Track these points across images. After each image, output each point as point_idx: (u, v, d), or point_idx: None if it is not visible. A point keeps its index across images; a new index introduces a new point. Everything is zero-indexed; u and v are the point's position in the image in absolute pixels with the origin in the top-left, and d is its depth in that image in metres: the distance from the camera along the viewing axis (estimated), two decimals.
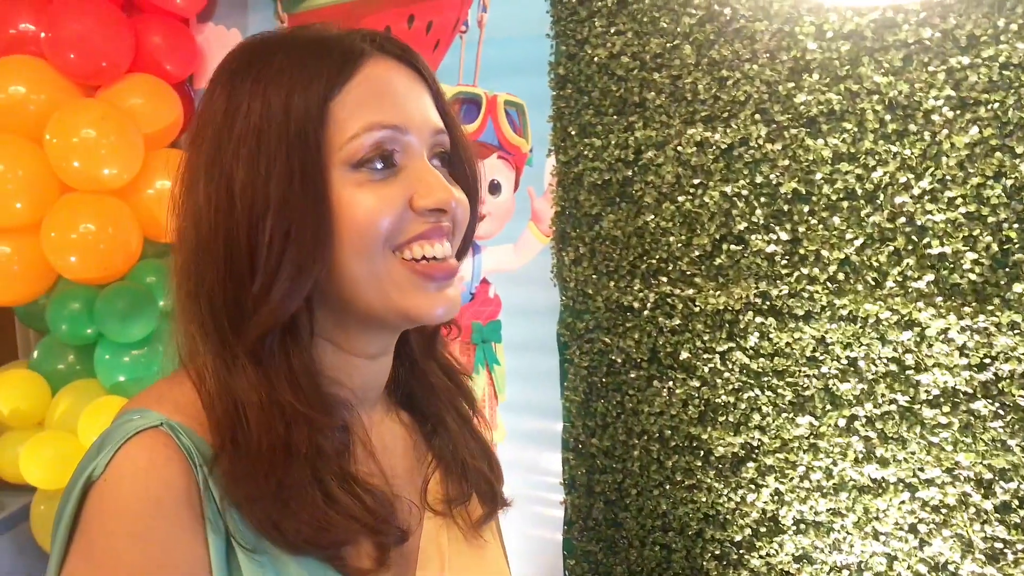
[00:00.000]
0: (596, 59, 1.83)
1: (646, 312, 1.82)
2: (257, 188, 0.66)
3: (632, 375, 1.86)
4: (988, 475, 1.51)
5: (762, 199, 1.68)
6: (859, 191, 1.58)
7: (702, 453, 1.80)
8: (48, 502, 2.18)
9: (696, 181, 1.74)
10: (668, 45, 1.74)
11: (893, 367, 1.58)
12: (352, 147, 0.67)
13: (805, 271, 1.64)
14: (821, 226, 1.62)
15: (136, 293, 2.15)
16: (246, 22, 2.40)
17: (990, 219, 1.47)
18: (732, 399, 1.74)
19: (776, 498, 1.72)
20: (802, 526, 1.71)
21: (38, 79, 2.17)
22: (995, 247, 1.47)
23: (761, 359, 1.71)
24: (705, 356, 1.76)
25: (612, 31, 1.80)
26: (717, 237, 1.72)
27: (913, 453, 1.57)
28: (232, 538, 0.64)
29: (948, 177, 1.49)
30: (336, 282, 0.69)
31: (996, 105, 1.44)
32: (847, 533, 1.66)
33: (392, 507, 0.73)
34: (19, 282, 2.20)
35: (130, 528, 0.61)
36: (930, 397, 1.55)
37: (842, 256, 1.61)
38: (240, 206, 0.66)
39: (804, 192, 1.63)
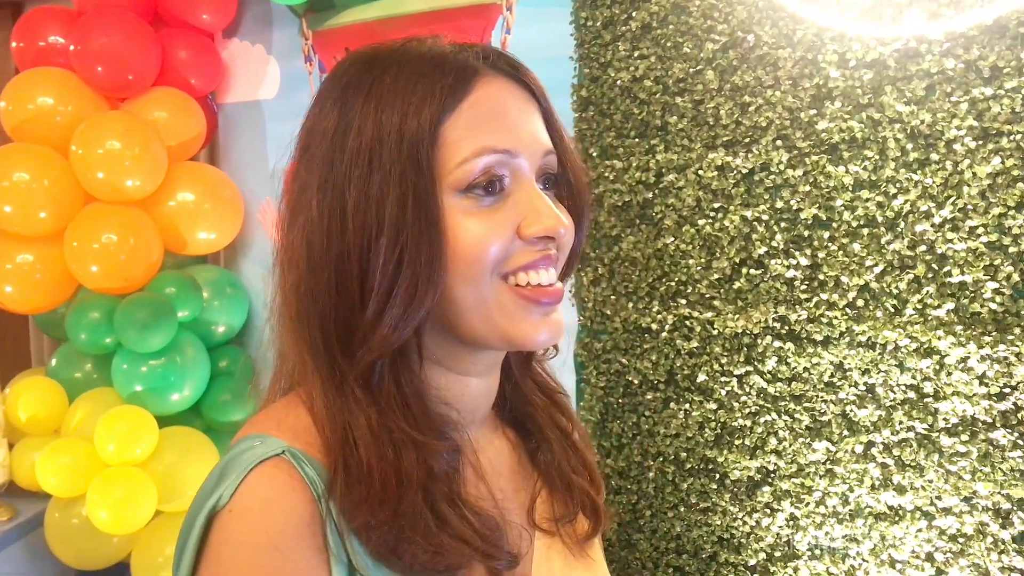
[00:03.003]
0: (619, 82, 1.85)
1: (664, 334, 1.83)
2: (369, 211, 0.65)
3: (649, 396, 1.86)
4: (1006, 505, 1.51)
5: (782, 224, 1.69)
6: (880, 218, 1.59)
7: (718, 476, 1.80)
8: (63, 510, 2.19)
9: (716, 205, 1.75)
10: (691, 70, 1.76)
11: (911, 394, 1.58)
12: (462, 171, 0.66)
13: (824, 296, 1.65)
14: (841, 252, 1.63)
15: (155, 304, 2.16)
16: (271, 38, 2.43)
17: (1011, 249, 1.48)
18: (749, 423, 1.75)
19: (791, 523, 1.72)
20: (817, 552, 1.70)
21: (66, 91, 2.20)
22: (1016, 277, 1.47)
23: (779, 383, 1.71)
24: (722, 379, 1.77)
25: (635, 55, 1.82)
26: (737, 261, 1.73)
27: (931, 481, 1.57)
28: (354, 567, 0.64)
29: (970, 206, 1.50)
30: (441, 307, 0.68)
31: (1019, 136, 1.45)
32: (863, 560, 1.65)
33: (502, 531, 0.71)
34: (41, 290, 2.22)
35: (256, 560, 0.61)
36: (948, 425, 1.55)
37: (862, 283, 1.61)
38: (352, 228, 0.66)
39: (824, 218, 1.64)
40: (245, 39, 2.48)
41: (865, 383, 1.63)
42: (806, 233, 1.66)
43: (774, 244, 1.69)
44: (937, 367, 1.55)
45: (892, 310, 1.59)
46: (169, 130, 2.27)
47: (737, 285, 1.74)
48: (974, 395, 1.52)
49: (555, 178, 0.74)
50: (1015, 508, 1.50)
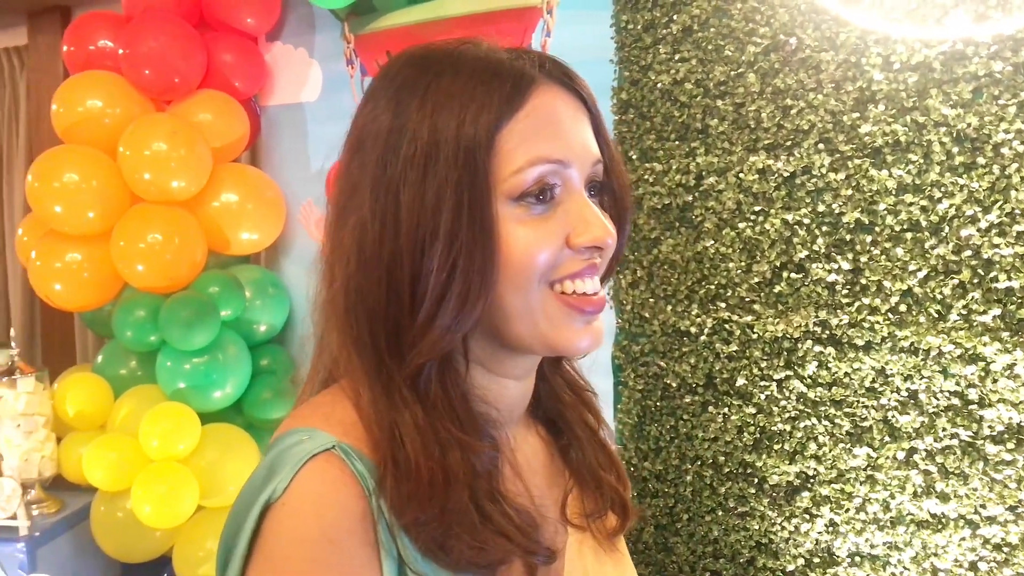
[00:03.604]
0: (659, 85, 1.85)
1: (703, 337, 1.82)
2: (424, 215, 0.66)
3: (687, 400, 1.86)
4: None
5: (824, 228, 1.67)
6: (923, 223, 1.57)
7: (756, 480, 1.79)
8: (108, 503, 2.23)
9: (757, 208, 1.74)
10: (732, 73, 1.76)
11: (955, 401, 1.56)
12: (516, 180, 0.67)
13: (866, 301, 1.64)
14: (884, 257, 1.61)
15: (199, 303, 2.20)
16: (313, 42, 2.46)
17: None
18: (788, 427, 1.74)
19: (831, 529, 1.71)
20: (857, 559, 1.69)
21: (114, 93, 2.25)
22: None
23: (819, 388, 1.70)
24: (762, 383, 1.76)
25: (676, 58, 1.82)
26: (777, 264, 1.73)
27: (975, 489, 1.55)
28: (403, 561, 0.64)
29: (1017, 211, 1.48)
30: (489, 313, 0.69)
31: None
32: (904, 568, 1.64)
33: (540, 527, 0.72)
34: (89, 289, 2.27)
35: (310, 554, 0.62)
36: (994, 433, 1.53)
37: (905, 287, 1.60)
38: (405, 231, 0.66)
39: (867, 222, 1.63)
40: (288, 42, 2.52)
41: (908, 389, 1.61)
42: (848, 237, 1.65)
43: (815, 248, 1.68)
44: (982, 373, 1.53)
45: (936, 315, 1.57)
46: (214, 132, 2.31)
47: (778, 289, 1.73)
48: (1020, 402, 1.50)
49: (600, 185, 0.75)
50: None
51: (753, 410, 1.77)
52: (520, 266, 0.67)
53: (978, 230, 1.52)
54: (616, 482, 0.87)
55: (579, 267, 0.70)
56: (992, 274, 1.51)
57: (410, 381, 0.69)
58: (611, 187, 0.77)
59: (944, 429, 1.57)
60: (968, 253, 1.54)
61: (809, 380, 1.71)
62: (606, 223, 0.71)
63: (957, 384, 1.56)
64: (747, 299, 1.77)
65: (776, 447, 1.76)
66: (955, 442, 1.57)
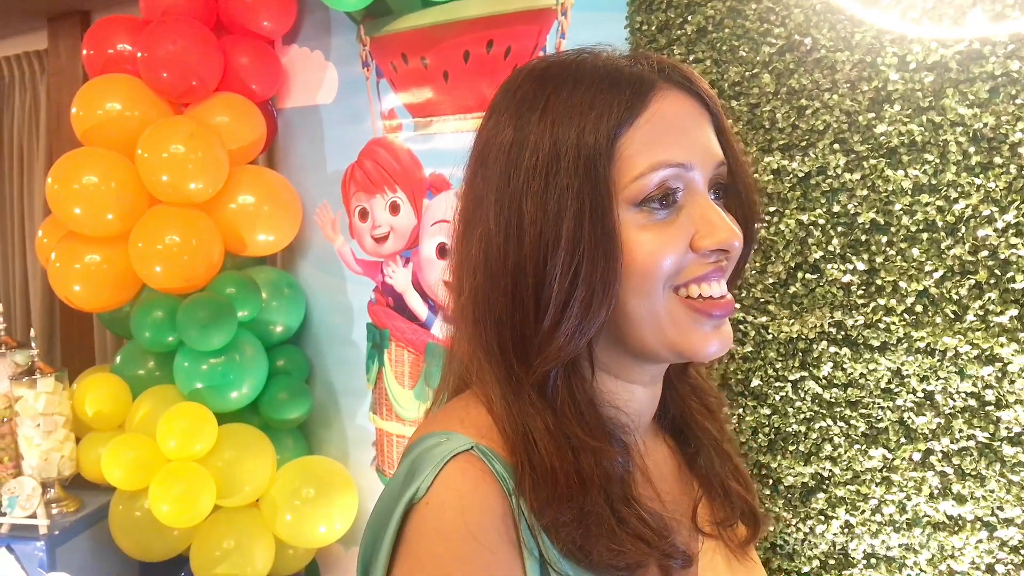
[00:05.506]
0: None
1: None
2: (547, 224, 0.67)
3: None
4: None
5: (839, 228, 1.67)
6: (940, 223, 1.57)
7: (771, 482, 1.79)
8: (126, 502, 2.26)
9: (772, 209, 1.74)
10: (747, 74, 1.75)
11: (972, 402, 1.55)
12: (637, 186, 0.68)
13: (882, 302, 1.63)
14: (899, 257, 1.61)
15: (216, 304, 2.22)
16: (329, 44, 2.47)
17: None
18: (803, 428, 1.73)
19: (846, 531, 1.70)
20: (873, 560, 1.68)
21: (133, 96, 2.28)
22: None
23: (834, 389, 1.69)
24: (777, 384, 1.76)
25: (691, 59, 1.82)
26: (792, 265, 1.72)
27: (992, 491, 1.54)
28: (545, 561, 0.65)
29: None
30: (613, 319, 0.70)
31: None
32: (920, 570, 1.63)
33: (674, 531, 0.73)
34: (107, 290, 2.29)
35: (456, 551, 0.63)
36: (1011, 434, 1.52)
37: (920, 288, 1.59)
38: (529, 241, 0.68)
39: (882, 222, 1.62)
40: (304, 45, 2.53)
41: (924, 390, 1.60)
42: (863, 237, 1.64)
43: (830, 248, 1.68)
44: (999, 374, 1.52)
45: (952, 316, 1.57)
46: (230, 134, 2.33)
47: (792, 289, 1.73)
48: None
49: (725, 187, 0.75)
50: None
51: (768, 411, 1.77)
52: (644, 271, 0.68)
53: (995, 230, 1.52)
54: (744, 491, 0.86)
55: (705, 270, 0.70)
56: (1009, 274, 1.51)
57: (538, 387, 0.70)
58: (737, 189, 0.77)
59: (960, 430, 1.56)
60: (985, 253, 1.53)
61: (824, 381, 1.70)
62: (732, 225, 0.71)
63: (974, 385, 1.55)
64: (762, 300, 1.77)
65: (791, 448, 1.75)
66: (972, 443, 1.56)
